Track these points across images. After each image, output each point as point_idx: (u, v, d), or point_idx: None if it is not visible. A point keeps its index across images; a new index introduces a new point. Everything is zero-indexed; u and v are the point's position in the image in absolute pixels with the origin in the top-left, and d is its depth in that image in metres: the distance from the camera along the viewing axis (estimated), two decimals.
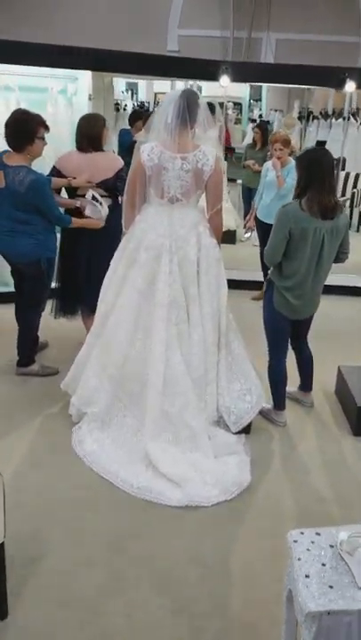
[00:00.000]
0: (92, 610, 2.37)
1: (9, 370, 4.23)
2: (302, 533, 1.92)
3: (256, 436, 3.67)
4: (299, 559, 1.81)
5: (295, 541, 1.88)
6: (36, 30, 7.26)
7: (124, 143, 7.56)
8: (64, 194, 4.19)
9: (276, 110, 10.93)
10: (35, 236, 3.79)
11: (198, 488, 3.09)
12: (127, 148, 7.34)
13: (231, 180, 8.01)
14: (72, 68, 5.36)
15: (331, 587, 1.70)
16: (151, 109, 10.06)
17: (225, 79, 5.48)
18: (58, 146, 5.22)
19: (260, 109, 11.70)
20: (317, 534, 1.91)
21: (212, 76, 5.64)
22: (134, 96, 11.91)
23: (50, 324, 4.46)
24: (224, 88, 5.88)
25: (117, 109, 12.85)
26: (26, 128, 3.70)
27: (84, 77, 5.52)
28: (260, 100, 11.61)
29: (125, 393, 3.50)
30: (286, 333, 3.69)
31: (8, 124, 3.74)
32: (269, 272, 3.62)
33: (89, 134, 4.04)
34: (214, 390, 3.53)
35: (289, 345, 3.78)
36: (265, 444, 3.61)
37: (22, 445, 3.46)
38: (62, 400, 3.80)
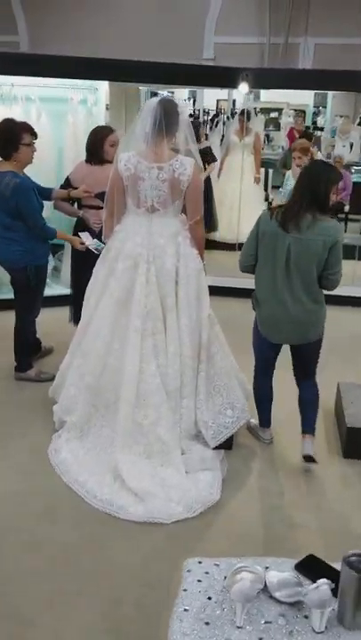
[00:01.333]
0: (22, 622, 2.35)
1: (8, 374, 4.29)
2: (200, 562, 1.82)
3: (237, 453, 3.56)
4: (185, 590, 1.71)
5: (189, 571, 1.78)
6: (70, 44, 7.41)
7: None
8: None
9: (341, 116, 10.64)
10: (22, 243, 3.85)
11: (161, 504, 3.02)
12: None
13: None
14: (100, 80, 5.45)
15: (207, 623, 1.60)
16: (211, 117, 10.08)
17: (244, 86, 5.36)
18: (79, 155, 5.30)
19: (325, 116, 11.46)
20: (216, 565, 1.80)
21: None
22: (196, 103, 11.97)
23: (66, 329, 4.45)
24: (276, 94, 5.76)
25: None
26: (10, 136, 3.75)
27: (103, 88, 5.55)
28: (326, 106, 11.37)
29: (102, 403, 3.48)
30: (267, 355, 3.47)
31: None
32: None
33: (89, 147, 4.16)
34: (192, 404, 3.44)
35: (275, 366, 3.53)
36: (245, 462, 3.50)
37: (1, 449, 3.49)
38: (51, 407, 3.80)
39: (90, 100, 5.58)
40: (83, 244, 4.00)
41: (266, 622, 1.61)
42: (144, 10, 7.63)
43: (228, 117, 8.39)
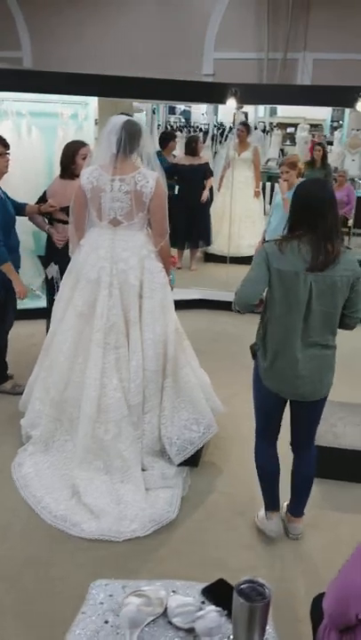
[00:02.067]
0: None
1: None
2: (106, 585, 1.78)
3: (203, 470, 3.51)
4: (83, 613, 1.68)
5: (92, 591, 1.75)
6: (72, 60, 7.50)
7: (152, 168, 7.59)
8: None
9: (358, 130, 10.56)
10: None
11: (113, 522, 2.98)
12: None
13: None
14: (95, 96, 5.52)
15: None
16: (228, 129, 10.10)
17: (232, 102, 5.36)
18: None
19: (343, 130, 11.41)
20: (123, 587, 1.76)
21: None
22: (214, 117, 12.02)
23: None
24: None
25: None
26: None
27: (94, 103, 5.60)
28: (343, 120, 11.31)
29: (67, 417, 3.46)
30: (274, 414, 2.87)
31: None
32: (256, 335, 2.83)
33: (62, 161, 4.19)
34: (155, 419, 3.41)
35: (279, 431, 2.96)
36: (209, 480, 3.44)
37: None
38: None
39: (80, 115, 5.62)
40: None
41: None
42: (146, 27, 7.70)
43: (228, 132, 8.39)
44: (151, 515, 3.05)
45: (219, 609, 1.54)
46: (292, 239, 2.54)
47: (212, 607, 1.53)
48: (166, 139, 7.58)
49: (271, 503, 2.96)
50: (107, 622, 1.64)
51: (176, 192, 7.48)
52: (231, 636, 1.58)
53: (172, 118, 14.52)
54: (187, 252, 7.74)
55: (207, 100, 6.14)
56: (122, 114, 3.45)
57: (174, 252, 7.73)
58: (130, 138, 3.27)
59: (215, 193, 7.98)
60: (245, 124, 7.77)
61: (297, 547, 2.95)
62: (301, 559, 2.87)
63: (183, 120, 14.73)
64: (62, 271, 3.94)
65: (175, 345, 3.48)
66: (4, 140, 3.91)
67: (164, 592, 1.70)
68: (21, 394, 4.11)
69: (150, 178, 3.28)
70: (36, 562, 2.76)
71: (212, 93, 5.64)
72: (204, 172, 7.34)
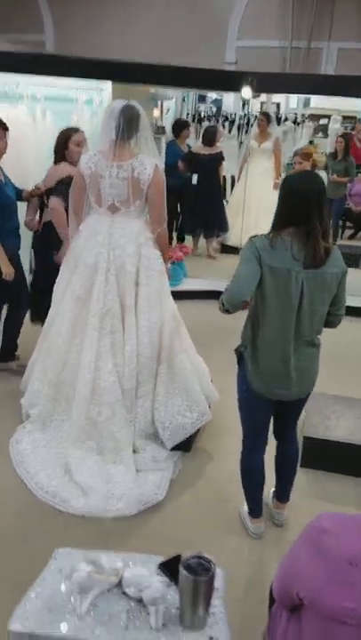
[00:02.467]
0: None
1: None
2: (69, 554, 1.86)
3: (195, 456, 3.58)
4: (43, 578, 1.76)
5: (55, 559, 1.83)
6: (94, 45, 7.55)
7: (167, 156, 7.68)
8: None
9: None
10: None
11: (101, 500, 3.07)
12: (173, 163, 7.48)
13: None
14: (123, 82, 5.57)
15: (50, 610, 1.65)
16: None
17: (247, 90, 5.36)
18: None
19: None
20: (84, 557, 1.84)
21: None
22: (245, 106, 11.98)
23: None
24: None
25: (200, 120, 12.96)
26: None
27: (109, 89, 5.64)
28: None
29: (63, 398, 3.56)
30: (263, 419, 2.81)
31: None
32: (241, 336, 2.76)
33: (54, 147, 4.16)
34: (148, 404, 3.48)
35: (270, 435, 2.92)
36: (199, 466, 3.51)
37: None
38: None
39: (95, 101, 5.67)
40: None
41: (109, 615, 1.64)
42: (169, 14, 7.71)
43: (247, 121, 8.39)
44: (138, 495, 3.13)
45: (165, 580, 1.60)
46: (282, 234, 2.46)
47: (159, 578, 1.60)
48: (180, 127, 7.62)
49: (255, 510, 2.95)
50: (63, 588, 1.72)
51: (195, 181, 7.54)
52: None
53: (203, 107, 14.49)
54: (203, 242, 7.79)
55: (225, 89, 6.14)
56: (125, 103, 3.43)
57: (189, 240, 7.80)
58: (128, 123, 3.30)
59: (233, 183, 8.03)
60: (266, 114, 7.74)
61: (280, 533, 3.00)
62: (282, 545, 2.91)
63: (214, 109, 14.69)
64: (43, 259, 3.99)
65: (171, 332, 3.54)
66: (4, 123, 3.97)
67: (121, 564, 1.77)
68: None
69: (148, 165, 3.32)
70: (22, 535, 2.85)
71: (229, 82, 5.63)
72: (219, 160, 7.41)
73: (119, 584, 1.73)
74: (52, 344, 3.58)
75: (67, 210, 3.72)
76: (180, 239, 8.13)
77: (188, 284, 6.36)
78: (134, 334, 3.42)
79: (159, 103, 11.17)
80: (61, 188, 3.84)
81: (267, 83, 5.34)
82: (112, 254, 3.39)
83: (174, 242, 8.01)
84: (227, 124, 12.98)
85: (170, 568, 1.81)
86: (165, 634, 1.60)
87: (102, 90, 5.60)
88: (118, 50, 7.43)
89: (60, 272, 3.64)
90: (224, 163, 7.51)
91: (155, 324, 3.47)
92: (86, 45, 7.69)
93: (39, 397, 3.63)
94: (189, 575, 1.57)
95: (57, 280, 3.64)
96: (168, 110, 11.18)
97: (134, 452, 3.42)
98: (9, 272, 4.01)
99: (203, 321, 5.65)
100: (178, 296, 5.97)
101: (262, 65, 7.09)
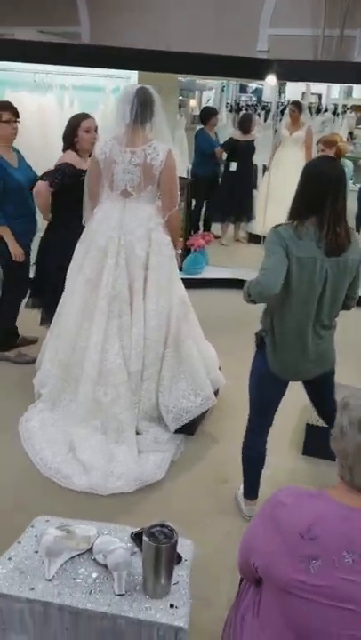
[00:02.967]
0: None
1: None
2: (47, 521, 1.95)
3: (198, 439, 3.63)
4: (19, 542, 1.85)
5: (32, 526, 1.92)
6: (128, 35, 7.61)
7: (199, 144, 7.73)
8: None
9: None
10: None
11: (101, 477, 3.16)
12: (204, 151, 7.53)
13: None
14: (156, 72, 5.62)
15: (22, 572, 1.73)
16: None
17: (272, 78, 5.34)
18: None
19: None
20: (61, 524, 1.92)
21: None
22: (281, 95, 11.92)
23: None
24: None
25: (237, 110, 12.91)
26: None
27: (135, 77, 5.69)
28: None
29: (72, 378, 3.64)
30: (275, 401, 2.83)
31: None
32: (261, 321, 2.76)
33: (63, 134, 4.10)
34: (153, 387, 3.54)
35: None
36: (202, 449, 3.56)
37: None
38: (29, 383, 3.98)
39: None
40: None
41: (76, 579, 1.72)
42: (202, 3, 7.71)
43: (282, 111, 8.33)
44: (139, 474, 3.21)
45: (127, 546, 1.67)
46: (306, 222, 2.44)
47: (122, 544, 1.66)
48: (207, 114, 7.65)
49: (250, 491, 2.99)
50: (36, 552, 1.81)
51: (233, 168, 7.61)
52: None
53: (243, 97, 14.40)
54: (228, 231, 7.84)
55: (255, 77, 6.12)
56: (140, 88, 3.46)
57: (216, 228, 7.84)
58: (142, 107, 3.34)
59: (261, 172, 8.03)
60: (297, 103, 7.70)
61: None
62: None
63: (254, 99, 14.58)
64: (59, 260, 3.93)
65: (179, 317, 3.60)
66: (15, 108, 4.05)
67: (93, 532, 1.84)
68: (25, 363, 4.31)
69: (161, 151, 3.36)
70: (21, 508, 2.95)
71: (260, 70, 5.60)
72: (254, 148, 7.46)
73: (90, 551, 1.80)
74: (62, 326, 3.67)
75: (53, 195, 3.87)
76: (207, 227, 8.17)
77: (209, 272, 6.39)
78: (142, 317, 3.48)
79: (196, 94, 11.19)
80: (52, 172, 3.88)
81: (298, 71, 5.31)
82: (123, 239, 3.45)
83: (200, 230, 8.08)
84: (262, 113, 12.88)
85: (141, 538, 1.87)
86: (128, 600, 1.66)
87: (129, 78, 5.65)
88: (150, 39, 7.45)
89: (73, 255, 3.71)
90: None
91: (163, 308, 3.53)
92: (120, 36, 7.76)
93: (49, 377, 3.73)
94: (151, 543, 1.63)
95: (71, 263, 3.71)
96: (208, 100, 11.17)
97: (137, 433, 3.49)
98: (17, 253, 4.11)
99: (221, 308, 5.70)
100: (199, 284, 6.11)
101: (294, 53, 7.06)
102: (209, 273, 6.38)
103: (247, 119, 7.76)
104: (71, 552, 1.77)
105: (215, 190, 8.16)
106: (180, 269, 3.75)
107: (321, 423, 3.51)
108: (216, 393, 4.01)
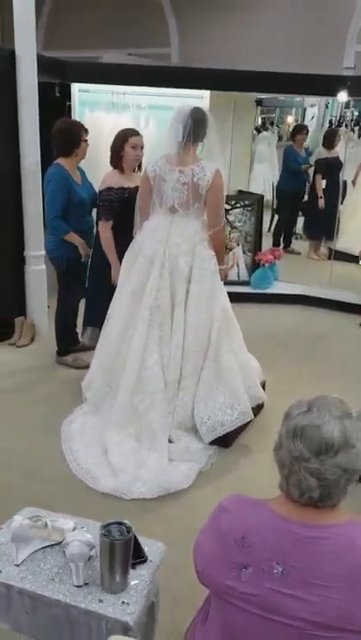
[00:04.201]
0: None
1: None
2: (32, 511, 2.06)
3: (233, 452, 3.65)
4: (1, 528, 1.98)
5: (18, 515, 2.04)
6: (209, 56, 7.78)
7: (286, 161, 7.74)
8: None
9: None
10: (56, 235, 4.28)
11: (127, 481, 3.25)
12: (295, 169, 7.53)
13: None
14: (242, 92, 5.91)
15: None
16: None
17: (343, 95, 5.28)
18: None
19: None
20: (36, 515, 2.01)
21: None
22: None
23: None
24: None
25: (338, 125, 12.72)
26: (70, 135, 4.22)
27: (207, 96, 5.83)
28: None
29: (114, 384, 3.78)
30: None
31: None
32: None
33: (111, 149, 4.19)
34: (189, 397, 3.61)
35: None
36: (235, 462, 3.56)
37: (32, 417, 3.98)
38: None
39: None
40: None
41: (42, 567, 1.82)
42: (288, 22, 7.73)
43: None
44: (163, 482, 3.26)
45: (85, 540, 1.74)
46: None
47: (80, 537, 1.74)
48: (295, 131, 7.63)
49: None
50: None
51: (324, 185, 7.57)
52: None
53: (348, 112, 14.18)
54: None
55: (317, 94, 6.08)
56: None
57: (298, 244, 7.78)
58: (196, 125, 3.46)
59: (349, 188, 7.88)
60: None
61: None
62: None
63: (356, 113, 14.30)
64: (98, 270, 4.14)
65: (220, 330, 3.65)
66: (84, 126, 4.29)
67: (70, 526, 1.94)
68: (81, 367, 4.46)
69: (208, 171, 3.45)
70: (45, 502, 3.07)
71: (345, 87, 5.57)
72: (340, 164, 7.36)
73: (62, 542, 1.89)
74: (107, 332, 3.83)
75: (113, 229, 4.03)
76: (288, 243, 8.16)
77: (279, 288, 6.36)
78: (181, 328, 3.57)
79: (293, 110, 11.16)
80: (102, 207, 4.07)
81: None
82: (167, 252, 3.57)
83: (281, 246, 8.07)
84: (356, 128, 12.62)
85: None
86: (84, 592, 1.74)
87: (202, 97, 5.79)
88: (236, 59, 7.56)
89: (122, 266, 3.85)
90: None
91: (203, 321, 3.60)
92: (209, 55, 7.94)
93: (94, 382, 3.89)
94: (105, 539, 1.70)
95: (120, 273, 3.86)
96: (313, 117, 11.13)
97: (170, 441, 3.56)
98: (87, 252, 4.32)
99: (280, 324, 5.67)
100: (265, 299, 6.10)
101: None
102: (278, 288, 6.35)
103: (329, 135, 7.69)
104: (43, 542, 1.87)
105: (300, 207, 8.13)
106: (225, 283, 3.78)
107: None
108: (261, 407, 4.03)
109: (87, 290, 4.41)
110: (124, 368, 3.67)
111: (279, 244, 8.07)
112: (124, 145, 4.08)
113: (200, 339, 3.60)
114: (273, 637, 1.43)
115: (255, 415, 3.88)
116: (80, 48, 8.31)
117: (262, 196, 6.66)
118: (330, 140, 7.44)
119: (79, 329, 4.69)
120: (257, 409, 3.97)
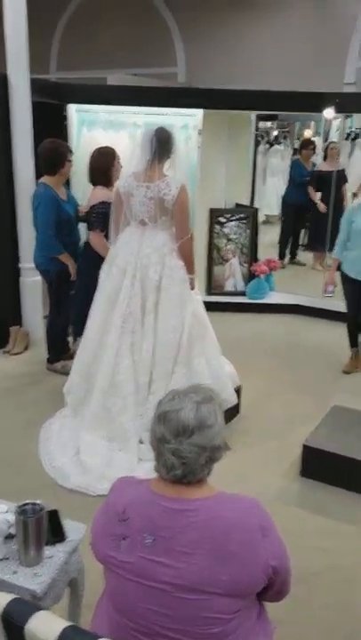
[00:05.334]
0: None
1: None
2: None
3: None
4: None
5: None
6: (221, 75, 8.03)
7: (293, 176, 7.89)
8: None
9: None
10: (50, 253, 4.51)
11: (94, 479, 3.44)
12: (300, 182, 7.68)
13: None
14: (241, 110, 6.10)
15: None
16: None
17: (329, 112, 5.43)
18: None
19: None
20: None
21: None
22: None
23: None
24: None
25: (354, 139, 12.78)
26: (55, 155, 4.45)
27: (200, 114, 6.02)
28: None
29: (91, 388, 3.97)
30: None
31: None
32: None
33: (95, 168, 4.43)
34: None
35: None
36: None
37: (17, 417, 4.21)
38: None
39: (190, 126, 6.08)
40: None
41: None
42: (290, 41, 7.93)
43: None
44: None
45: (2, 518, 1.93)
46: None
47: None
48: (301, 146, 7.79)
49: None
50: None
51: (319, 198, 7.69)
52: None
53: None
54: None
55: (341, 110, 6.20)
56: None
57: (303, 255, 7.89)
58: (160, 144, 3.67)
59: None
60: None
61: None
62: None
63: None
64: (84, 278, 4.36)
65: (191, 336, 3.81)
66: (70, 147, 4.53)
67: (3, 509, 2.12)
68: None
69: (174, 187, 3.64)
70: (13, 495, 3.29)
71: (312, 103, 5.73)
72: (343, 177, 7.45)
73: None
74: (85, 340, 4.03)
75: (106, 235, 4.19)
76: (293, 255, 8.28)
77: (273, 298, 6.48)
78: (152, 334, 3.75)
79: (312, 124, 11.29)
80: (96, 219, 4.29)
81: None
82: (139, 262, 3.76)
83: (287, 258, 8.20)
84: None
85: (50, 520, 2.11)
86: (3, 564, 1.92)
87: (195, 115, 5.99)
88: (238, 77, 7.80)
89: (100, 276, 4.05)
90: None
91: (173, 327, 3.77)
92: (213, 76, 8.20)
93: (73, 387, 4.09)
94: (20, 517, 1.88)
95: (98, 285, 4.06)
96: (337, 130, 11.24)
97: (141, 442, 3.72)
98: (75, 271, 4.55)
99: (275, 334, 5.78)
100: (261, 309, 6.23)
101: None
102: (273, 298, 6.48)
103: (328, 148, 7.78)
104: None
105: (305, 219, 8.25)
106: (192, 289, 3.92)
107: (317, 445, 3.55)
108: (237, 412, 4.18)
109: (75, 299, 4.62)
110: (99, 372, 3.86)
111: (284, 256, 8.22)
112: (114, 162, 4.35)
113: (170, 344, 3.76)
114: (147, 601, 1.59)
115: (229, 419, 4.04)
116: (91, 69, 8.70)
117: (257, 209, 6.82)
118: (325, 153, 7.56)
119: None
120: (232, 414, 4.12)
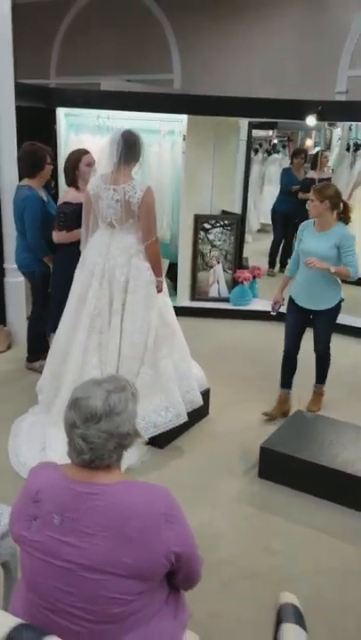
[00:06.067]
0: None
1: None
2: None
3: (166, 453, 3.88)
4: None
5: None
6: (215, 82, 8.14)
7: (282, 182, 7.97)
8: None
9: None
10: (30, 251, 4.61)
11: None
12: (285, 189, 7.77)
13: None
14: (235, 117, 6.23)
15: None
16: None
17: (311, 119, 5.51)
18: (160, 182, 5.99)
19: None
20: None
21: None
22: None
23: None
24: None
25: (356, 149, 12.87)
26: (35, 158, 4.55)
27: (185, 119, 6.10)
28: None
29: (60, 386, 4.06)
30: None
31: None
32: None
33: (65, 170, 4.54)
34: None
35: None
36: (164, 462, 3.79)
37: None
38: None
39: (176, 131, 6.16)
40: None
41: None
42: (284, 49, 8.03)
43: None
44: None
45: None
46: None
47: None
48: (293, 155, 7.86)
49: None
50: None
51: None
52: None
53: None
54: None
55: (333, 119, 6.32)
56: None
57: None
58: (127, 147, 3.75)
59: None
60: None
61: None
62: None
63: None
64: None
65: (157, 338, 3.89)
66: (51, 152, 4.63)
67: None
68: None
69: (139, 189, 3.72)
70: None
71: (296, 110, 5.81)
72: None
73: None
74: (56, 339, 4.13)
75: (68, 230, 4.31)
76: (283, 263, 8.32)
77: (257, 305, 6.54)
78: (117, 335, 3.84)
79: (313, 133, 11.36)
80: (57, 218, 4.39)
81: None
82: (107, 264, 3.85)
83: (277, 266, 8.25)
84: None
85: None
86: None
87: (182, 120, 6.07)
88: (234, 84, 7.90)
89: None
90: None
91: (139, 328, 3.85)
92: (211, 81, 8.31)
93: (44, 385, 4.18)
94: None
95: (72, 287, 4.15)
96: (339, 139, 11.30)
97: None
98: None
99: (254, 340, 5.84)
100: (243, 315, 6.29)
101: None
102: (257, 305, 6.54)
103: (315, 156, 7.87)
104: None
105: (294, 228, 8.29)
106: (160, 291, 3.99)
107: (272, 447, 3.61)
108: (205, 414, 4.26)
109: (52, 298, 4.71)
110: (67, 371, 3.94)
111: (275, 264, 8.28)
112: (79, 164, 4.40)
113: (136, 344, 3.84)
114: (54, 579, 1.66)
115: (198, 420, 4.12)
116: (89, 75, 8.84)
117: (242, 216, 6.89)
118: (314, 162, 7.63)
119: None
120: (200, 415, 4.20)
